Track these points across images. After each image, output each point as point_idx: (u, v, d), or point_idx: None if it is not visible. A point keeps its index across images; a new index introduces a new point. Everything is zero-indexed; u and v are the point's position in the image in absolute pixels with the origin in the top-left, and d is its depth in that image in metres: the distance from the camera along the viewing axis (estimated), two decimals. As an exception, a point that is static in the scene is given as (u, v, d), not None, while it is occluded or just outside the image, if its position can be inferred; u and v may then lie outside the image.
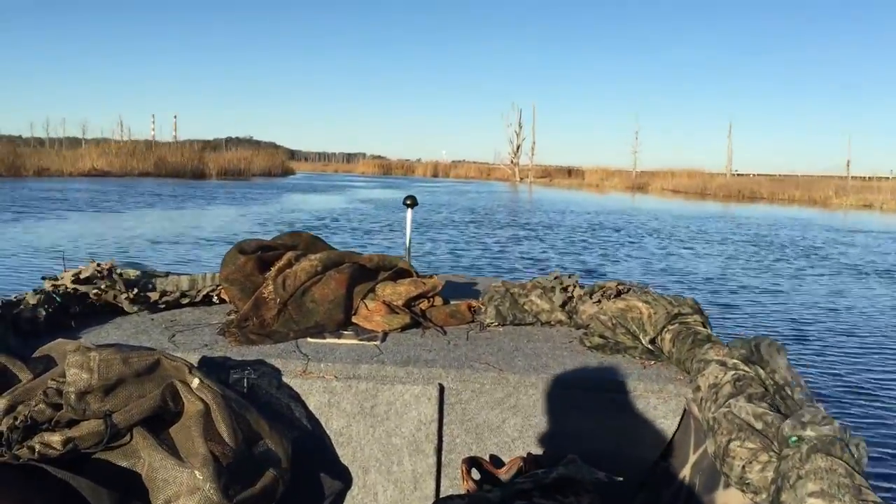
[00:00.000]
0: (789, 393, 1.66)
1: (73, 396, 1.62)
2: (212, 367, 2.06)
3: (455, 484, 2.09)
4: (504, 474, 1.95)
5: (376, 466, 2.09)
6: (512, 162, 67.64)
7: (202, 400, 1.74)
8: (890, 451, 4.19)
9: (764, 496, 1.38)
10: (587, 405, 2.06)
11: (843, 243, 17.16)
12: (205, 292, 2.75)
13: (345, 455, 2.10)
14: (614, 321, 2.39)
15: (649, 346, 2.29)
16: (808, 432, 1.34)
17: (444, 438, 2.10)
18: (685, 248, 15.08)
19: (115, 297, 2.55)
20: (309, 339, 2.32)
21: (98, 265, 2.60)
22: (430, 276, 2.81)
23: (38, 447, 1.55)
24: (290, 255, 2.68)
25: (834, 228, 21.65)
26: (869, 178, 54.32)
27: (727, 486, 1.59)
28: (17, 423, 1.58)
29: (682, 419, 2.02)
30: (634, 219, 22.70)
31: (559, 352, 2.33)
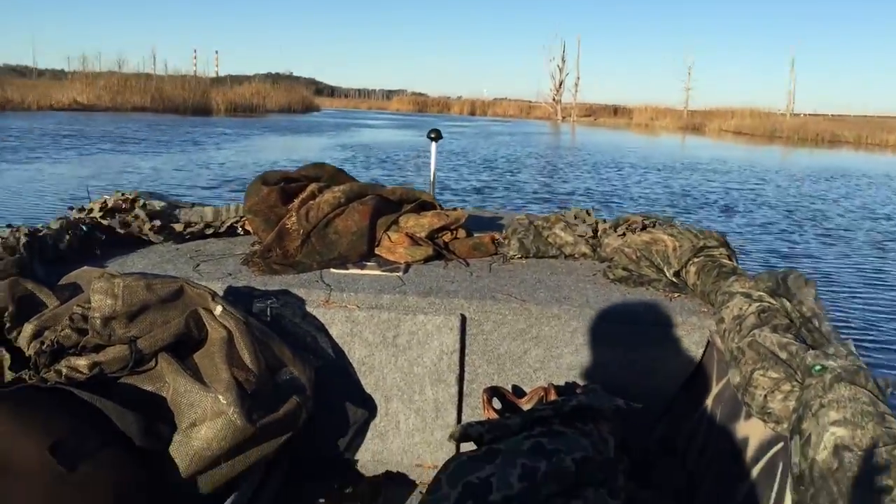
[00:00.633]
0: (816, 325, 1.62)
1: (98, 322, 1.64)
2: (236, 297, 2.08)
3: (476, 413, 2.10)
4: (525, 404, 1.95)
5: (398, 395, 2.12)
6: (554, 99, 62.07)
7: (225, 327, 1.76)
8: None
9: (785, 425, 1.37)
10: (610, 337, 2.04)
11: None
12: (229, 223, 2.76)
13: (367, 384, 2.12)
14: (639, 254, 2.36)
15: (673, 279, 2.26)
16: (832, 362, 1.31)
17: (465, 368, 2.11)
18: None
19: (140, 227, 2.57)
20: (332, 270, 2.32)
21: (123, 195, 2.61)
22: (454, 209, 2.79)
23: (64, 371, 1.59)
24: (313, 186, 2.67)
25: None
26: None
27: (748, 416, 1.58)
28: (44, 347, 1.62)
29: (705, 351, 2.01)
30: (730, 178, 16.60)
31: (582, 284, 2.30)
